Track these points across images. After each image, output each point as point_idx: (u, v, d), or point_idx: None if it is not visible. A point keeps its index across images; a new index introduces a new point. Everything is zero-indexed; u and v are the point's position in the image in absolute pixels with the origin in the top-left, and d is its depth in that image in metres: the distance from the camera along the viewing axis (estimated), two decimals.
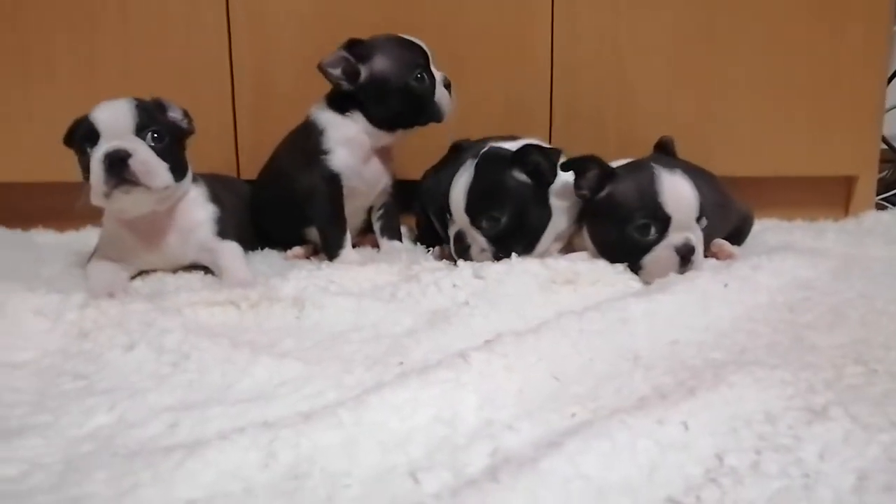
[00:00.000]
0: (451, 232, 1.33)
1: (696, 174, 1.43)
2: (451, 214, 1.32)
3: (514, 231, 1.29)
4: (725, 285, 1.14)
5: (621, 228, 1.23)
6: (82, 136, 1.18)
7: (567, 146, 1.37)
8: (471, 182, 1.28)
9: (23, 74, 1.64)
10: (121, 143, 1.16)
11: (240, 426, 0.70)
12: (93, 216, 1.71)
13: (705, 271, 1.20)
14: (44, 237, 1.67)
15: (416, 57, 1.40)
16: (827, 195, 1.83)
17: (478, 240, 1.29)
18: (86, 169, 1.18)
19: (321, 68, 1.35)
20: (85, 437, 0.70)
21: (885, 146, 1.95)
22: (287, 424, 0.68)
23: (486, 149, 1.33)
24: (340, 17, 1.66)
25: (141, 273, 1.33)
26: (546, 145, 1.36)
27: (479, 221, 1.28)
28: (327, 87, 1.43)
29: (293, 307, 1.10)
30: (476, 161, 1.30)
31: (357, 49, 1.36)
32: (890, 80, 1.82)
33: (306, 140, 1.42)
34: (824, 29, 1.70)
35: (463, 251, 1.30)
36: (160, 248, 1.30)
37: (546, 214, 1.32)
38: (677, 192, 1.22)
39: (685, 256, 1.21)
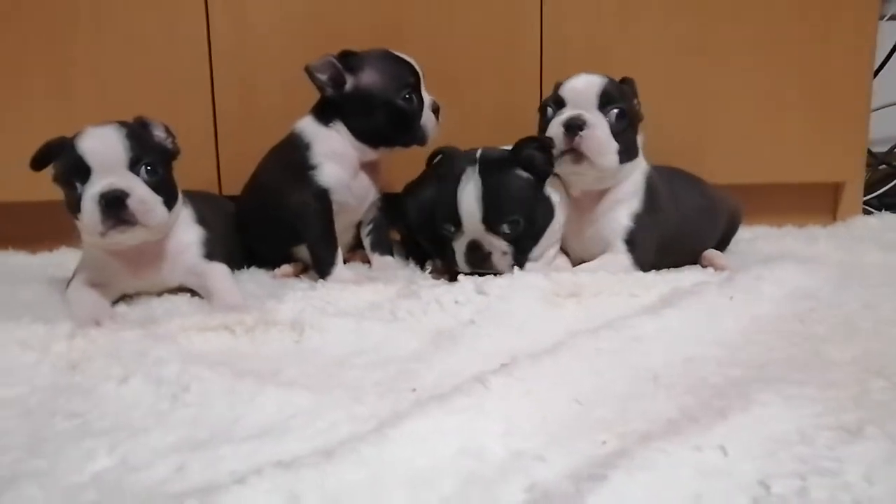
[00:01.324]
0: (460, 244, 1.28)
1: (682, 180, 1.42)
2: (455, 227, 1.28)
3: (528, 230, 1.27)
4: (731, 298, 1.13)
5: None
6: (70, 169, 1.11)
7: None
8: (481, 189, 1.24)
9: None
10: (116, 182, 1.11)
11: (255, 467, 0.65)
12: (66, 236, 1.66)
13: (711, 284, 1.18)
14: (16, 259, 1.60)
15: (406, 76, 1.37)
16: (815, 201, 1.84)
17: (497, 245, 1.26)
18: (74, 205, 1.12)
19: (308, 70, 1.32)
20: (86, 485, 0.65)
21: None
22: (307, 464, 0.63)
23: (478, 153, 1.29)
24: (325, 29, 1.63)
25: (124, 296, 1.28)
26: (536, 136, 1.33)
27: (498, 227, 1.25)
28: (312, 99, 1.40)
29: (291, 330, 1.05)
30: (477, 167, 1.26)
31: (348, 59, 1.33)
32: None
33: (292, 154, 1.38)
34: (812, 37, 1.71)
35: (482, 260, 1.26)
36: (146, 273, 1.25)
37: (549, 209, 1.31)
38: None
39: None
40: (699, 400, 0.80)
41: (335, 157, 1.37)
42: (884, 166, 2.16)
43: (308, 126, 1.39)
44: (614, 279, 1.22)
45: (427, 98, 1.40)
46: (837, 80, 1.72)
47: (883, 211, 1.86)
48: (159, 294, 1.29)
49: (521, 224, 1.26)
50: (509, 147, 1.31)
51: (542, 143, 1.26)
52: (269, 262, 1.50)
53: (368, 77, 1.35)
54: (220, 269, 1.27)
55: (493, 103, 1.69)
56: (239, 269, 1.46)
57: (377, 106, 1.35)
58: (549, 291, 1.15)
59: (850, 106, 1.72)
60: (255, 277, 1.44)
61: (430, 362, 0.92)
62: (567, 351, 0.89)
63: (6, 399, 0.83)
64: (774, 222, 1.77)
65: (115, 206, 1.09)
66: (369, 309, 1.15)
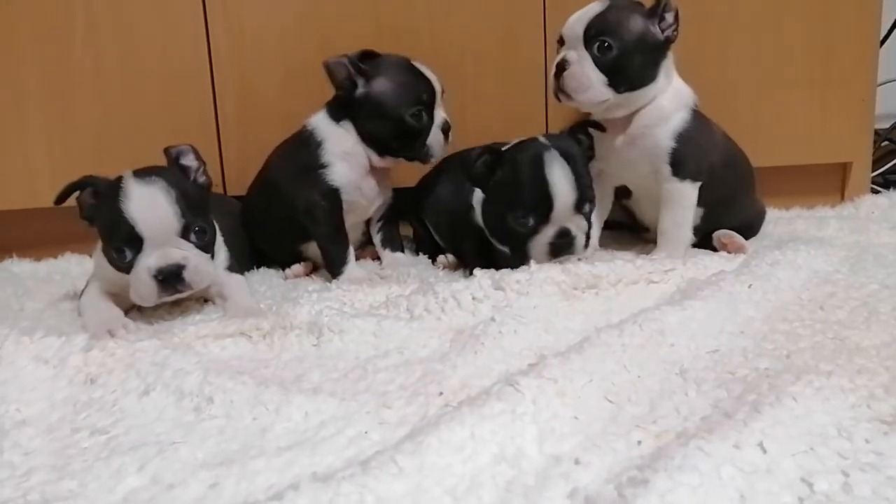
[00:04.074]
0: (544, 234, 1.23)
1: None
2: (540, 217, 1.22)
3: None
4: (749, 286, 1.12)
5: None
6: (123, 238, 1.10)
7: None
8: (571, 173, 1.21)
9: None
10: (172, 255, 1.11)
11: (291, 481, 0.65)
12: (70, 241, 1.64)
13: (727, 273, 1.17)
14: (20, 267, 1.58)
15: (420, 92, 1.34)
16: (822, 181, 1.83)
17: (581, 226, 1.25)
18: (123, 268, 1.13)
19: (326, 66, 1.30)
20: None
21: None
22: (345, 476, 0.62)
23: (544, 140, 1.26)
24: (325, 28, 1.60)
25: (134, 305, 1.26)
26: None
27: (583, 208, 1.24)
28: (313, 98, 1.37)
29: (309, 334, 1.04)
30: (555, 153, 1.22)
31: (364, 63, 1.31)
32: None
33: (303, 152, 1.36)
34: (816, 17, 1.69)
35: (568, 246, 1.23)
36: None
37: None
38: None
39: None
40: (731, 394, 0.79)
41: (346, 156, 1.35)
42: (887, 143, 2.15)
43: (321, 122, 1.37)
44: (631, 267, 1.21)
45: (439, 117, 1.37)
46: (842, 59, 1.70)
47: (891, 189, 1.84)
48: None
49: (594, 203, 1.27)
50: (554, 136, 1.30)
51: (595, 125, 1.31)
52: (277, 261, 1.49)
53: (381, 86, 1.33)
54: (236, 278, 1.26)
55: (495, 96, 1.67)
56: (248, 270, 1.44)
57: (385, 116, 1.33)
58: (568, 285, 1.14)
59: (856, 84, 1.71)
60: (266, 279, 1.42)
61: (455, 363, 0.90)
62: (594, 347, 0.88)
63: (27, 417, 0.82)
64: (782, 204, 1.76)
65: (172, 279, 1.11)
66: (386, 307, 1.14)
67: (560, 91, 1.33)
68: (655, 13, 1.30)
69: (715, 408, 0.76)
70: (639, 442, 0.70)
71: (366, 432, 0.75)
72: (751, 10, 1.67)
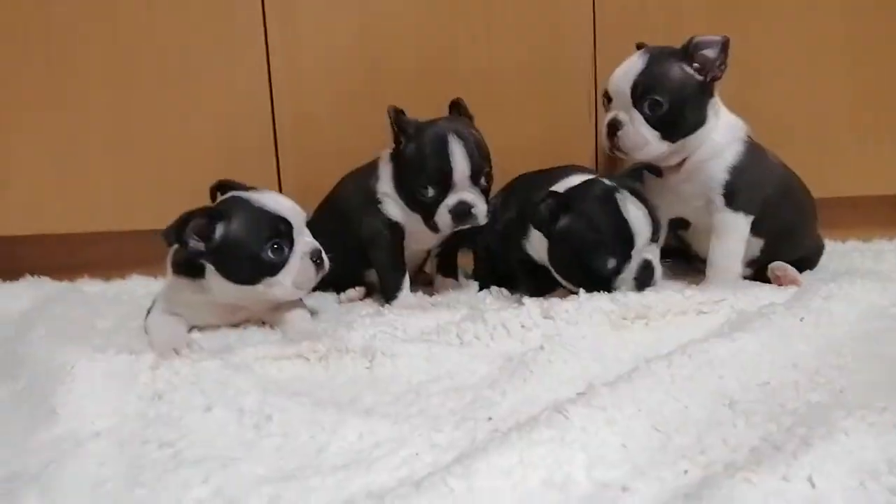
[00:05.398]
0: (630, 269, 1.26)
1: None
2: (622, 255, 1.25)
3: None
4: (801, 319, 1.12)
5: None
6: (272, 234, 1.18)
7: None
8: (643, 208, 1.25)
9: (60, 126, 1.63)
10: (312, 242, 1.24)
11: (346, 498, 0.68)
12: (136, 264, 1.72)
13: (779, 305, 1.16)
14: (91, 287, 1.65)
15: (436, 175, 1.31)
16: (880, 214, 1.80)
17: (658, 256, 1.30)
18: (265, 268, 1.19)
19: (389, 114, 1.33)
20: None
21: None
22: (398, 496, 0.65)
23: (609, 181, 1.29)
24: (378, 54, 1.65)
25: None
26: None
27: (658, 237, 1.29)
28: (364, 124, 1.41)
29: (363, 357, 1.07)
30: (623, 192, 1.25)
31: (401, 122, 1.34)
32: None
33: (368, 181, 1.41)
34: (866, 48, 1.68)
35: (650, 276, 1.27)
36: (240, 314, 1.30)
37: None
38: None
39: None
40: (780, 427, 0.79)
41: (394, 197, 1.39)
42: None
43: (384, 159, 1.41)
44: (680, 297, 1.22)
45: (454, 198, 1.32)
46: (891, 87, 1.68)
47: None
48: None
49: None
50: (614, 176, 1.35)
51: (650, 169, 1.37)
52: (332, 284, 1.52)
53: (411, 152, 1.33)
54: (296, 301, 1.30)
55: (540, 130, 1.69)
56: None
57: (406, 182, 1.35)
58: (617, 315, 1.15)
59: None
60: (320, 302, 1.46)
61: (504, 390, 0.93)
62: (643, 378, 0.89)
63: (102, 429, 0.87)
64: (838, 237, 1.73)
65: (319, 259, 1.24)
66: (436, 333, 1.16)
67: (615, 149, 1.37)
68: (687, 54, 1.32)
69: (764, 440, 0.76)
70: (686, 472, 0.71)
71: (417, 454, 0.77)
72: (800, 44, 1.67)
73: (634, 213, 1.23)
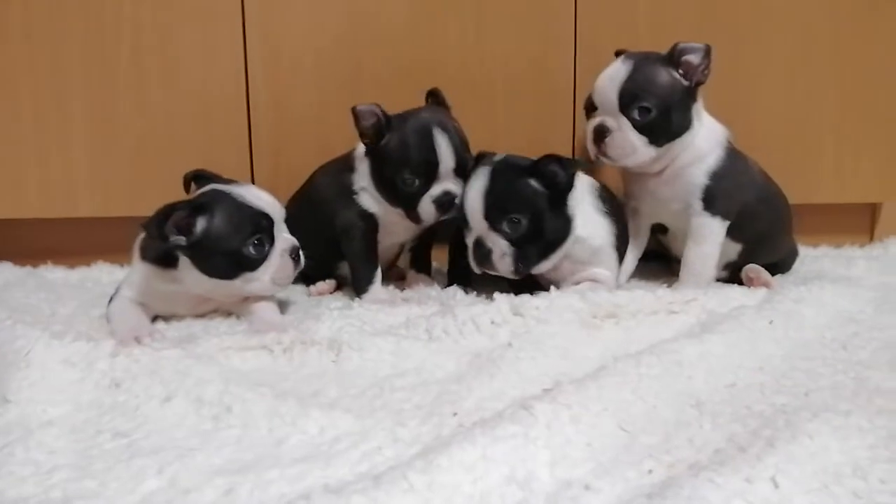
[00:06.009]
0: (469, 241, 1.30)
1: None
2: (467, 223, 1.29)
3: (531, 236, 1.26)
4: (770, 322, 1.12)
5: None
6: (254, 229, 1.17)
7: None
8: (487, 186, 1.25)
9: (35, 112, 1.59)
10: (291, 239, 1.24)
11: (303, 491, 0.66)
12: (103, 251, 1.69)
13: (749, 308, 1.16)
14: (54, 274, 1.61)
15: (431, 166, 1.30)
16: (852, 221, 1.81)
17: (498, 244, 1.26)
18: (245, 263, 1.18)
19: (354, 112, 1.30)
20: None
21: None
22: (356, 490, 0.63)
23: (499, 157, 1.30)
24: (359, 52, 1.63)
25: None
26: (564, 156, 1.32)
27: (499, 224, 1.25)
28: (345, 123, 1.39)
29: (329, 350, 1.06)
30: (490, 168, 1.27)
31: (387, 117, 1.31)
32: None
33: (343, 173, 1.39)
34: (850, 58, 1.69)
35: (483, 258, 1.27)
36: (207, 305, 1.27)
37: (564, 226, 1.29)
38: None
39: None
40: (746, 429, 0.79)
41: (371, 191, 1.37)
42: None
43: (360, 151, 1.38)
44: (651, 297, 1.21)
45: (438, 188, 1.31)
46: (874, 100, 1.69)
47: None
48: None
49: (521, 225, 1.25)
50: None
51: (562, 162, 1.27)
52: (303, 276, 1.50)
53: (395, 140, 1.31)
54: None
55: (525, 122, 1.68)
56: None
57: (388, 174, 1.32)
58: (587, 313, 1.14)
59: (888, 125, 1.70)
60: (290, 294, 1.44)
61: (471, 385, 0.91)
62: (610, 376, 0.88)
63: (53, 418, 0.84)
64: (810, 242, 1.75)
65: (297, 256, 1.24)
66: (405, 328, 1.15)
67: (602, 155, 1.35)
68: (672, 60, 1.31)
69: (729, 441, 0.76)
70: (650, 471, 0.71)
71: (379, 448, 0.76)
72: (783, 52, 1.67)
73: (474, 189, 1.26)
